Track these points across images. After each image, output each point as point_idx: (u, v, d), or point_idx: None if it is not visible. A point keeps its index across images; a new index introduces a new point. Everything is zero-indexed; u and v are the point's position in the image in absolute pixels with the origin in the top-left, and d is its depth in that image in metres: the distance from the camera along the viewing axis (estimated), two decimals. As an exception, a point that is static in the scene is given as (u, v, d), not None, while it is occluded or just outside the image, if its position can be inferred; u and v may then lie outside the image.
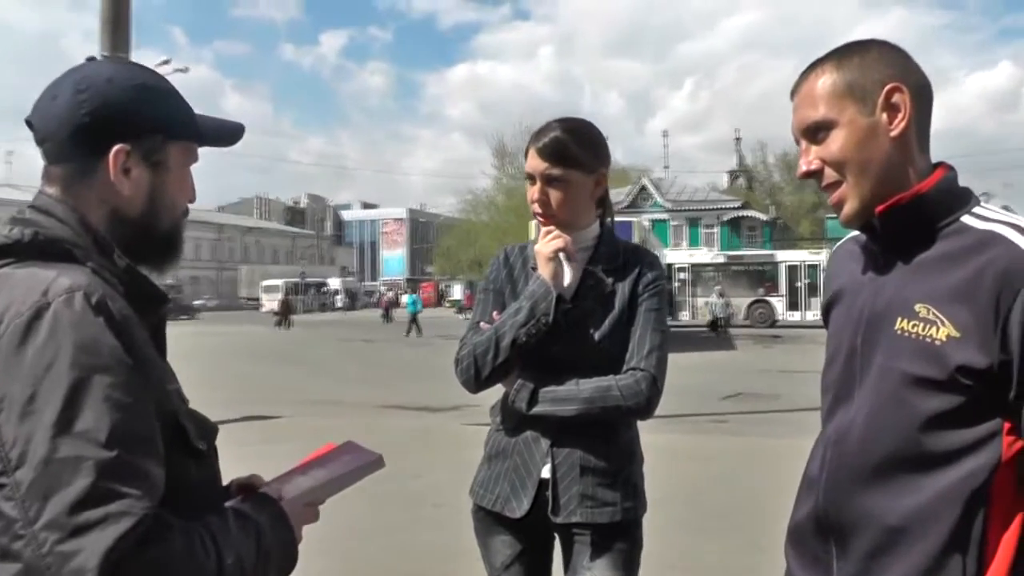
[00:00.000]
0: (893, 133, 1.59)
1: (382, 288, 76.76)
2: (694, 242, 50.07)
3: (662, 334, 2.42)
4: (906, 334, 1.54)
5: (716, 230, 50.65)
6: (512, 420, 2.46)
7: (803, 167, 1.68)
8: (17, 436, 1.15)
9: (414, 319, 36.21)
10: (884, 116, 1.59)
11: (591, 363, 2.38)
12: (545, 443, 2.40)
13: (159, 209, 1.49)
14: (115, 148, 1.41)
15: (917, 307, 1.54)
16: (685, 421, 11.47)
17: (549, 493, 2.38)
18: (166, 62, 38.00)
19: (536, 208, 2.45)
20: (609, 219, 2.58)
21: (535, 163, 2.41)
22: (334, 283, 77.89)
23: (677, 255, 41.61)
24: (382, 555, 5.72)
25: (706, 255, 42.36)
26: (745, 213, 50.30)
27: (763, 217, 48.74)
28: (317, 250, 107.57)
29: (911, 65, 1.64)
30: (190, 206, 1.59)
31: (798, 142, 1.71)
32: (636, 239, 23.58)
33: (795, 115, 1.70)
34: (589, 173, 2.43)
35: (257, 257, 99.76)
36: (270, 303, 63.55)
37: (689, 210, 51.84)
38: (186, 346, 27.72)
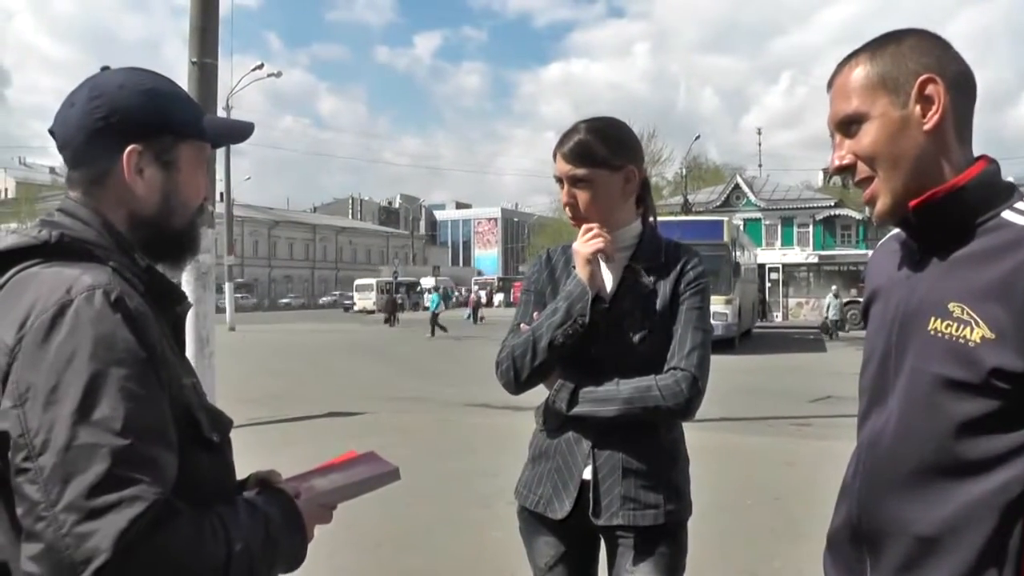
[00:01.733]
0: (927, 126, 1.52)
1: (474, 286, 77.25)
2: (787, 241, 49.26)
3: (704, 333, 2.38)
4: (939, 335, 1.47)
5: (810, 229, 49.66)
6: (554, 421, 2.44)
7: (835, 161, 1.63)
8: (41, 424, 1.22)
9: (434, 318, 34.45)
10: (917, 108, 1.52)
11: (632, 363, 2.35)
12: (586, 444, 2.38)
13: (173, 207, 1.56)
14: (128, 149, 1.47)
15: (951, 306, 1.47)
16: (767, 424, 11.31)
17: (590, 495, 2.35)
18: (259, 67, 39.14)
19: (567, 212, 2.44)
20: (652, 217, 2.54)
21: (561, 166, 2.40)
22: (427, 282, 78.58)
23: (769, 255, 40.95)
24: (454, 549, 5.79)
25: (799, 255, 41.57)
26: (839, 212, 49.10)
27: (858, 216, 47.29)
28: (411, 250, 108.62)
29: (949, 55, 1.56)
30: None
31: (833, 136, 1.65)
32: (725, 238, 23.27)
33: (830, 108, 1.65)
34: (615, 171, 2.39)
35: (351, 257, 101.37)
36: (362, 302, 64.35)
37: (782, 209, 50.96)
38: (292, 342, 28.59)
